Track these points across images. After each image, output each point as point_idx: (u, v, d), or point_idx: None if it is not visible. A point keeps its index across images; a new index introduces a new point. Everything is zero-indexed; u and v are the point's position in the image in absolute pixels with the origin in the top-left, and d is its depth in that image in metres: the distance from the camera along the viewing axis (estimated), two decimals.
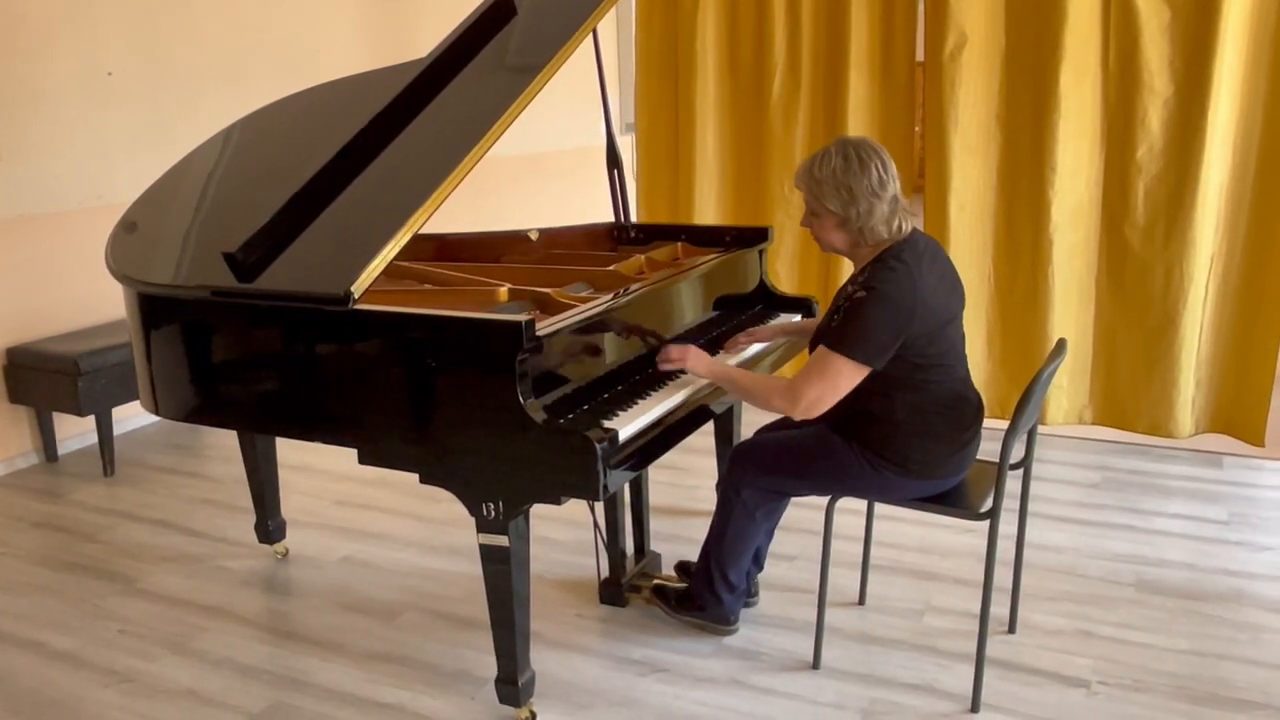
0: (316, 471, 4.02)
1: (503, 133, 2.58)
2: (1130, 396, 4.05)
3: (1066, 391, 4.17)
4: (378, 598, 3.07)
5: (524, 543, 2.32)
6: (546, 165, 6.83)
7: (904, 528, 3.34)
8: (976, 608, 2.85)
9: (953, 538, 3.31)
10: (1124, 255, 3.97)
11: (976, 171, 4.12)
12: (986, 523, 2.38)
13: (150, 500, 3.87)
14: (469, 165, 2.47)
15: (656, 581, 2.94)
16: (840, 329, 2.31)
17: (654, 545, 3.19)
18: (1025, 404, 2.31)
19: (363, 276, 2.27)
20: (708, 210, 4.67)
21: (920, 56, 4.20)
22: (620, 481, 2.24)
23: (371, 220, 2.46)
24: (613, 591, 2.94)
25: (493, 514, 2.25)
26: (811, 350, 2.46)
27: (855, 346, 2.27)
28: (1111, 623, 2.81)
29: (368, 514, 3.68)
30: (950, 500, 2.45)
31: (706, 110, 4.59)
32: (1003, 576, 2.95)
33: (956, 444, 2.41)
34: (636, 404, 2.41)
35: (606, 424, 2.26)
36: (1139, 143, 3.85)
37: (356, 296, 2.26)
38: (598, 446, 2.08)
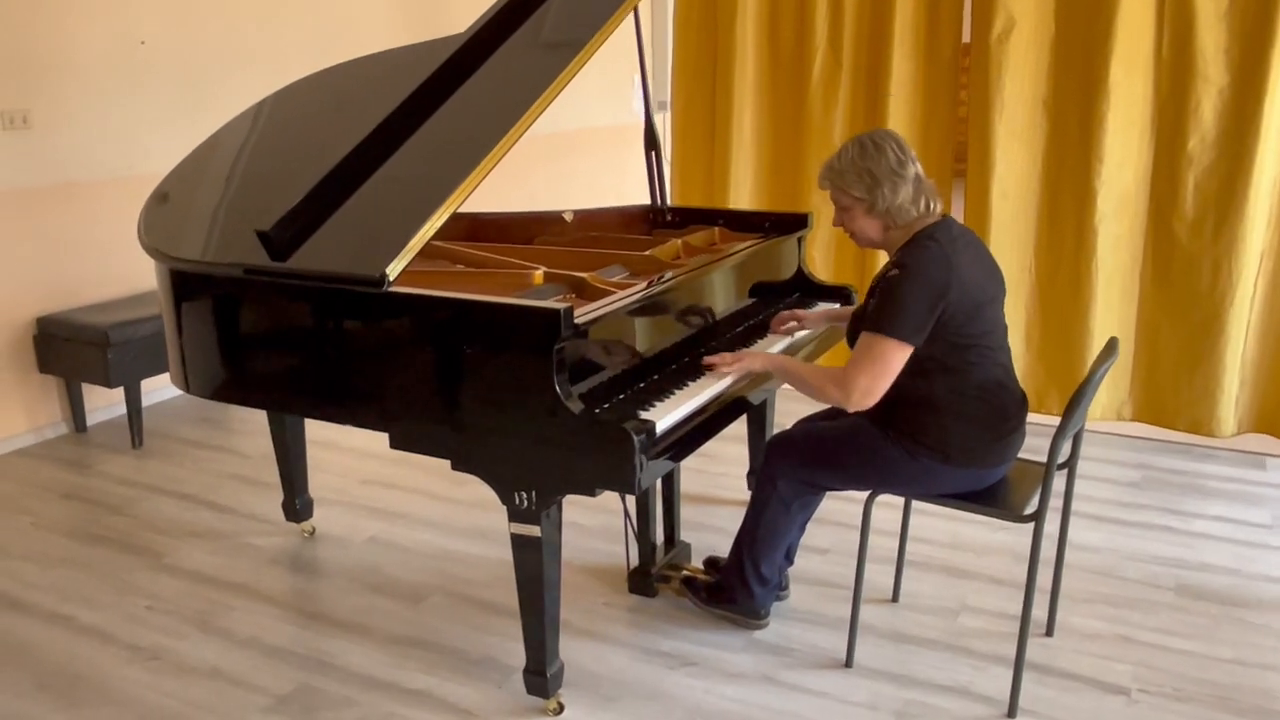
0: (342, 449, 4.00)
1: (543, 111, 2.52)
2: (1171, 393, 3.96)
3: (1105, 387, 4.08)
4: (404, 580, 3.05)
5: (556, 533, 2.28)
6: (575, 144, 6.76)
7: (936, 523, 3.28)
8: (1012, 608, 2.83)
9: (986, 535, 3.25)
10: (1171, 249, 3.87)
11: (1020, 159, 4.02)
12: (1025, 523, 2.32)
13: (178, 474, 3.86)
14: (508, 145, 2.41)
15: (686, 572, 2.89)
16: (878, 310, 2.28)
17: (682, 534, 3.14)
18: (1076, 404, 2.24)
19: (398, 258, 2.22)
20: (743, 193, 4.59)
21: (966, 38, 4.09)
22: (656, 475, 2.19)
23: (407, 200, 2.42)
24: (642, 581, 2.90)
25: (525, 504, 2.21)
26: (850, 339, 2.41)
27: (894, 325, 2.24)
28: (1151, 628, 2.75)
29: (393, 493, 3.65)
30: (992, 500, 2.39)
31: (745, 90, 4.50)
32: (1041, 577, 2.90)
33: (998, 432, 2.36)
34: (674, 394, 2.35)
35: (643, 415, 2.21)
36: (1190, 133, 3.74)
37: (392, 279, 2.21)
38: (635, 439, 2.04)
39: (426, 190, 2.37)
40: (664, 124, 7.09)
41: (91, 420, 4.34)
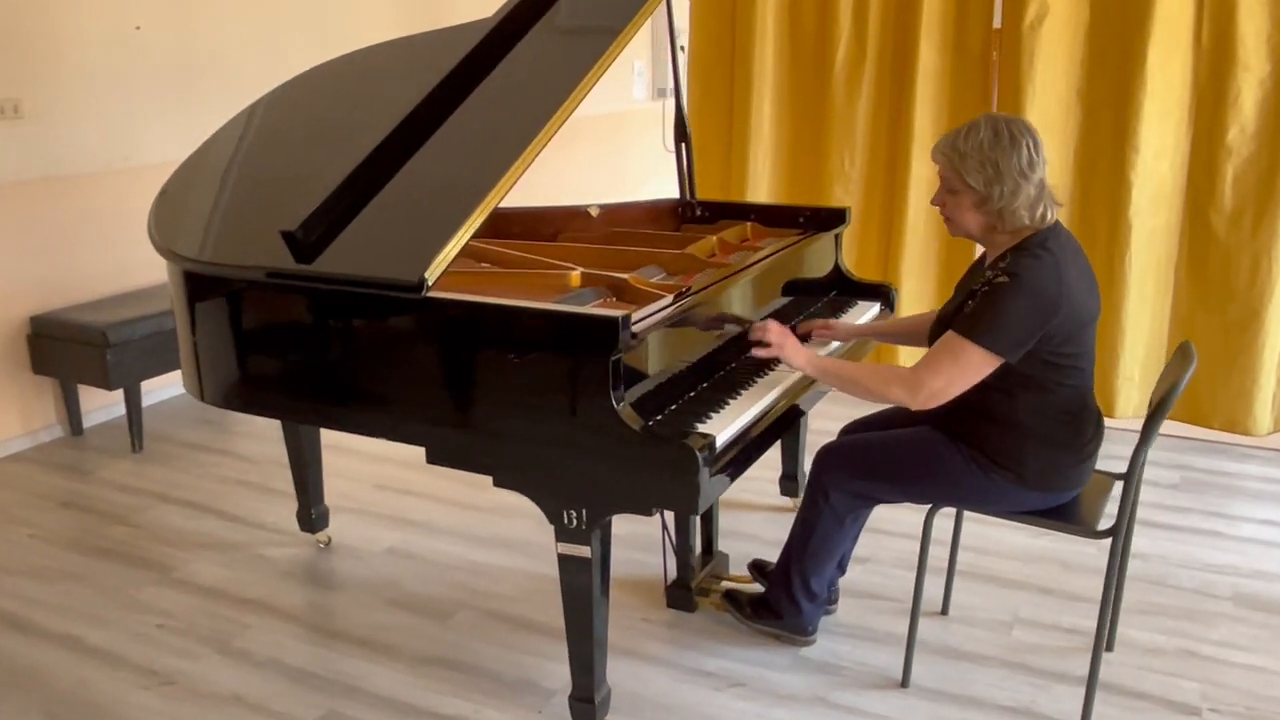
0: (351, 452, 3.84)
1: (583, 98, 2.39)
2: (1207, 391, 3.86)
3: (1137, 384, 3.98)
4: (427, 594, 2.91)
5: (606, 553, 2.15)
6: (573, 132, 6.58)
7: (978, 529, 3.15)
8: (1066, 619, 2.73)
9: (1027, 541, 3.13)
10: (1208, 242, 3.76)
11: (1053, 150, 3.89)
12: (1101, 539, 2.20)
13: (181, 480, 3.70)
14: (548, 135, 2.28)
15: (728, 586, 2.77)
16: (976, 315, 2.11)
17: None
18: (1158, 415, 2.12)
19: (437, 261, 2.07)
20: (761, 185, 4.45)
21: (997, 25, 3.96)
22: (717, 494, 2.05)
23: (442, 197, 2.27)
24: (681, 595, 2.77)
25: (574, 523, 2.08)
26: (932, 338, 2.26)
27: (992, 335, 2.09)
28: (1213, 641, 2.64)
29: (409, 500, 3.51)
30: (1063, 514, 2.27)
31: (764, 78, 4.35)
32: (1089, 588, 2.80)
33: (1079, 455, 2.23)
34: (728, 404, 2.22)
35: (701, 428, 2.08)
36: (1230, 124, 3.63)
37: (430, 283, 2.07)
38: (699, 455, 1.90)
39: (463, 186, 2.23)
40: (662, 112, 6.99)
41: (88, 423, 4.16)
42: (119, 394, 3.97)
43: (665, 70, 7.11)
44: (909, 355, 4.08)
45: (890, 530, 3.16)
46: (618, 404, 1.94)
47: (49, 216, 3.97)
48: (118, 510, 3.46)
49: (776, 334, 2.36)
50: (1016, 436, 2.19)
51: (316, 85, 2.94)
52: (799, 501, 3.34)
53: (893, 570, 2.99)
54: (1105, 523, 2.25)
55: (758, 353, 2.38)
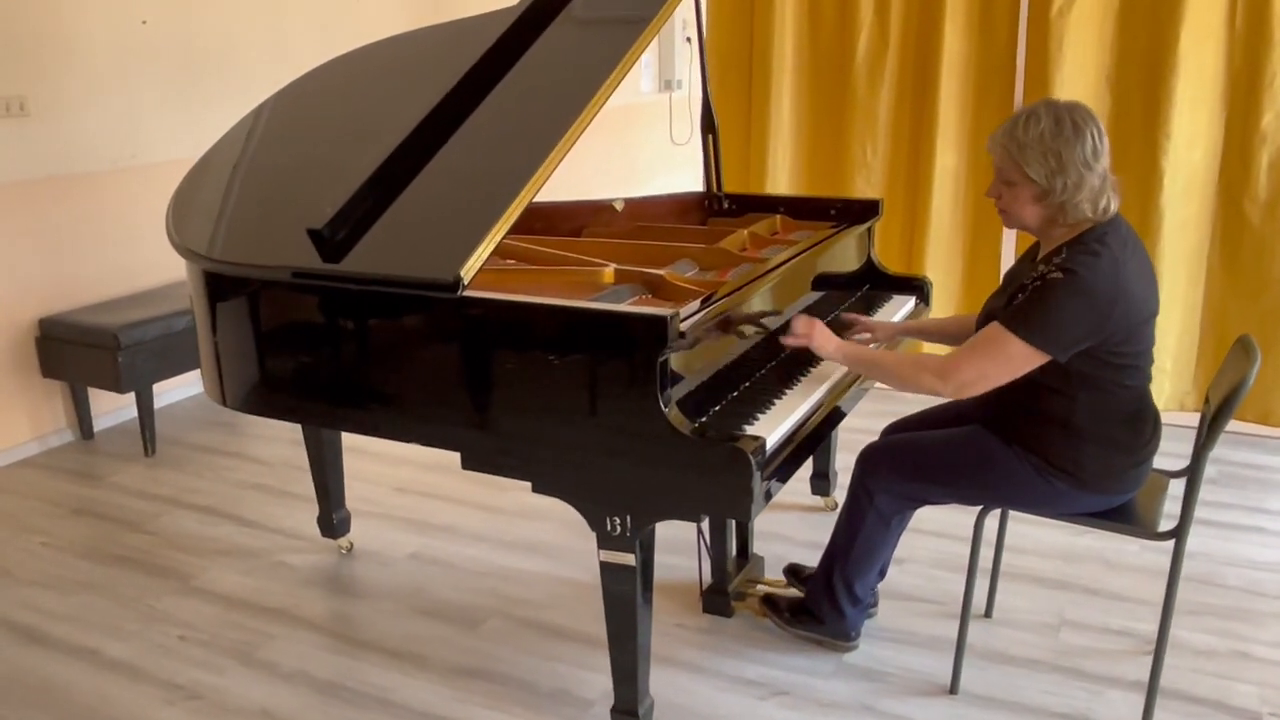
0: (370, 454, 3.76)
1: (614, 90, 2.30)
2: None
3: (1169, 375, 3.90)
4: (455, 601, 2.83)
5: (650, 559, 2.07)
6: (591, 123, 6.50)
7: (1016, 527, 3.07)
8: (1114, 621, 2.65)
9: (1068, 539, 3.06)
10: (1241, 232, 3.69)
11: None
12: (1163, 540, 2.13)
13: (196, 484, 3.62)
14: (581, 126, 2.19)
15: (765, 590, 2.69)
16: (1025, 308, 2.02)
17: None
18: (1224, 413, 2.05)
19: (473, 259, 1.99)
20: (780, 176, 4.36)
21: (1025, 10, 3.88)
22: (767, 500, 1.97)
23: (473, 193, 2.19)
24: (717, 600, 2.69)
25: (618, 530, 2.00)
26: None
27: (1039, 331, 2.00)
28: (1266, 642, 2.57)
29: (431, 503, 3.43)
30: (1120, 516, 2.19)
31: (783, 67, 4.26)
32: (1134, 587, 2.71)
33: (1137, 456, 2.15)
34: (774, 404, 2.14)
35: (750, 429, 1.99)
36: (1265, 109, 3.55)
37: (466, 282, 1.98)
38: (751, 459, 1.82)
39: (494, 182, 2.14)
40: (669, 104, 6.90)
41: (99, 426, 4.08)
42: (130, 397, 3.89)
43: (672, 62, 7.00)
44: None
45: (927, 529, 3.09)
46: (665, 407, 1.86)
47: (56, 216, 3.88)
48: (132, 517, 3.38)
49: (804, 322, 2.31)
50: (1074, 439, 2.11)
51: (334, 80, 2.85)
52: (831, 501, 3.29)
53: (932, 571, 2.91)
54: (1165, 523, 2.18)
55: (787, 340, 2.32)
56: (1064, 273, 2.00)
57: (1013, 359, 2.04)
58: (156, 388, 3.97)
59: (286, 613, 2.79)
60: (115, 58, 3.97)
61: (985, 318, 2.17)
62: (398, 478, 3.62)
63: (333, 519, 3.04)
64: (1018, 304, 2.05)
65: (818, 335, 2.30)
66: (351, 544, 3.12)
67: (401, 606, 2.82)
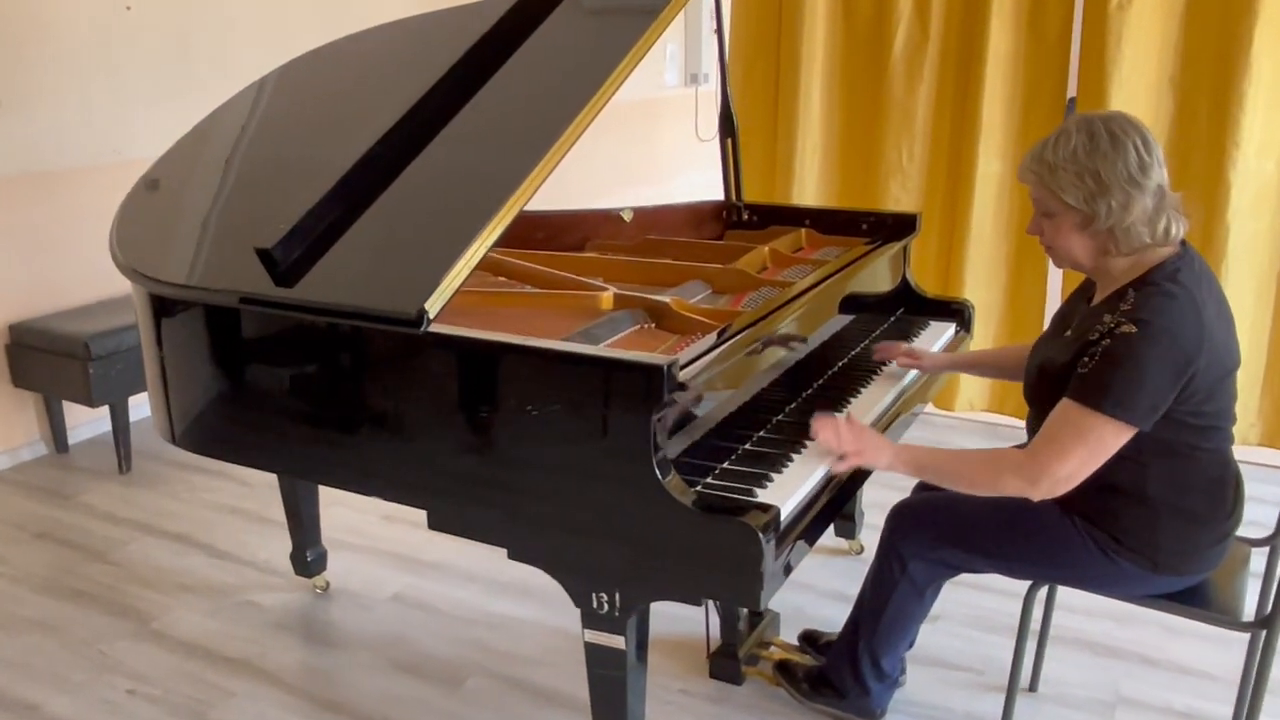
0: None
1: (612, 94, 2.01)
2: None
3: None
4: (437, 655, 2.55)
5: (644, 641, 1.78)
6: (597, 120, 6.19)
7: None
8: (1175, 699, 2.34)
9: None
10: None
11: None
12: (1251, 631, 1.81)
13: (170, 507, 3.36)
14: (579, 129, 1.91)
15: (780, 656, 2.39)
16: (1098, 377, 1.70)
17: None
18: None
19: (440, 288, 1.70)
20: (808, 182, 4.04)
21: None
22: (783, 579, 1.67)
23: (452, 204, 1.91)
24: (726, 665, 2.39)
25: (605, 608, 1.71)
26: (1034, 393, 1.87)
27: (1123, 403, 1.68)
28: None
29: (420, 535, 3.14)
30: (1196, 598, 1.87)
31: (813, 63, 3.93)
32: (1199, 658, 2.38)
33: (1220, 530, 1.83)
34: (790, 464, 1.83)
35: (760, 496, 1.69)
36: None
37: (432, 316, 1.69)
38: (763, 539, 1.52)
39: (476, 192, 1.87)
40: (695, 99, 6.58)
41: (74, 439, 3.84)
42: (106, 409, 3.64)
43: (699, 55, 6.69)
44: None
45: (964, 580, 2.76)
46: (661, 471, 1.56)
47: (31, 216, 3.63)
48: (98, 544, 3.13)
49: (850, 439, 1.84)
50: (1148, 513, 1.80)
51: (314, 71, 2.58)
52: (856, 544, 2.98)
53: (970, 631, 2.60)
54: (1248, 601, 1.86)
55: (837, 468, 1.86)
56: (1137, 324, 1.68)
57: (1103, 443, 1.71)
58: (136, 399, 3.72)
59: (249, 664, 2.53)
60: (97, 46, 3.71)
61: (1040, 375, 1.86)
62: (386, 505, 3.32)
63: (305, 556, 2.77)
64: (1091, 371, 1.71)
65: (867, 448, 1.85)
66: (328, 583, 2.85)
67: (379, 659, 2.54)
